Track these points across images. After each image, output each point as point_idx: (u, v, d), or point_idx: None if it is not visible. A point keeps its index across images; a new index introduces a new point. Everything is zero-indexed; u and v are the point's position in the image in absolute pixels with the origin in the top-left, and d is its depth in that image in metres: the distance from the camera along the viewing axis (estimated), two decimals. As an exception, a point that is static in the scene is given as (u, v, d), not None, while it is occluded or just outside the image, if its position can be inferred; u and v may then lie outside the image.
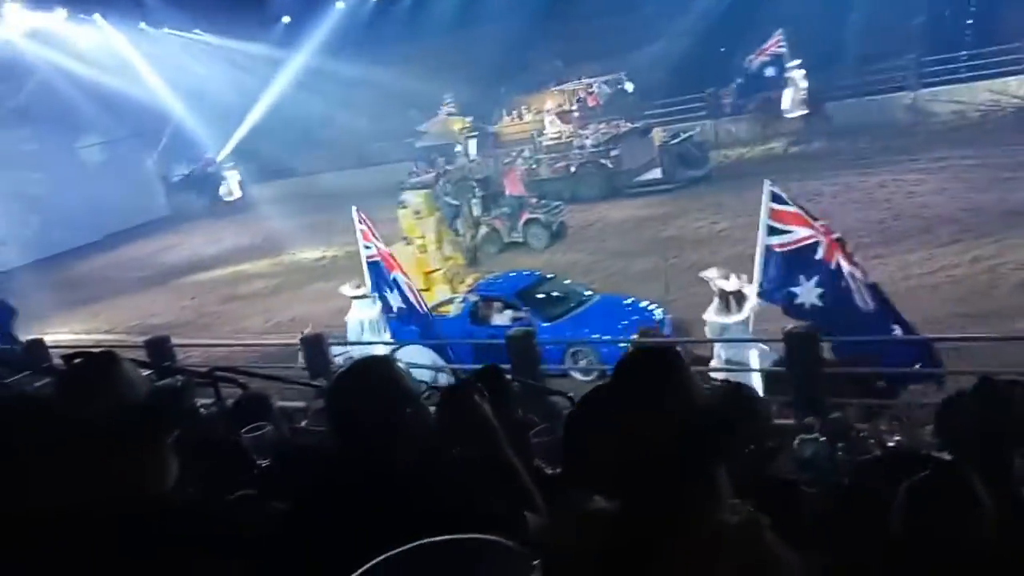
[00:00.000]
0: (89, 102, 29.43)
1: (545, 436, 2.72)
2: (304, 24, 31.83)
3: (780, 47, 24.40)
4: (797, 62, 24.18)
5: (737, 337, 9.00)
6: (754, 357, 8.88)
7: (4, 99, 27.74)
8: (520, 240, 19.27)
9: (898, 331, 8.53)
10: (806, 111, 24.29)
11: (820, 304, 8.57)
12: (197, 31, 32.22)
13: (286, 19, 33.56)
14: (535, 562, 0.85)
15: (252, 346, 14.09)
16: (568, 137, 24.44)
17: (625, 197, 21.56)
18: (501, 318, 12.41)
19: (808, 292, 8.56)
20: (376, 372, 2.20)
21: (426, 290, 14.14)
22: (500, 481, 2.24)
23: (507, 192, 19.82)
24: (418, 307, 11.20)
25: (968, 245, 13.70)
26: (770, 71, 24.68)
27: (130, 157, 33.96)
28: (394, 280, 11.19)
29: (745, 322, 9.07)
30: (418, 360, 11.02)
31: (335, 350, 11.88)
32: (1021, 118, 21.78)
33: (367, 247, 11.41)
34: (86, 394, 2.08)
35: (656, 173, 21.84)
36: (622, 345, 10.35)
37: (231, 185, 31.60)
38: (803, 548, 1.81)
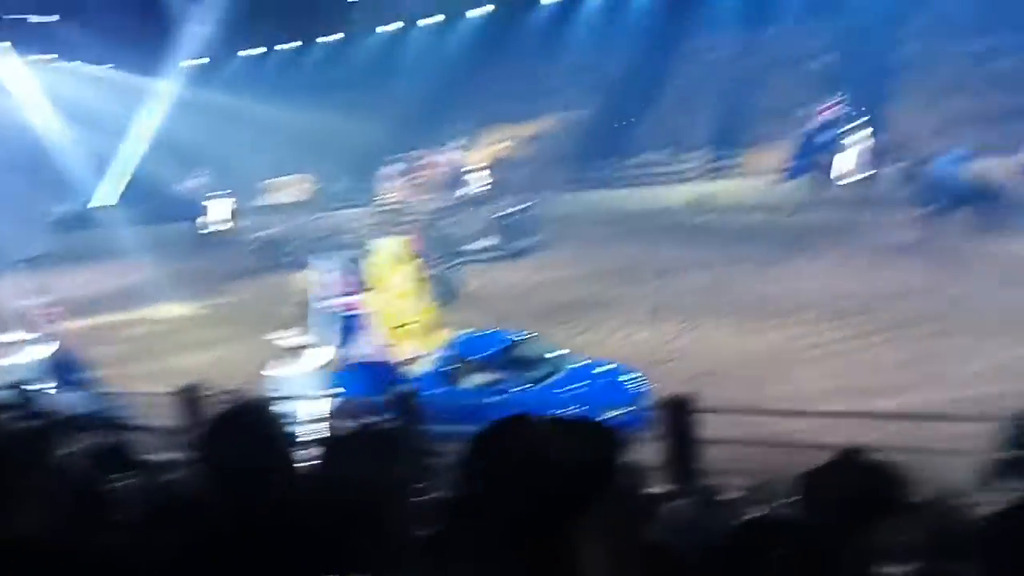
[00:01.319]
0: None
1: (422, 495, 2.70)
2: (217, 65, 31.65)
3: (839, 110, 22.66)
4: (858, 122, 22.54)
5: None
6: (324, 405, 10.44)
7: None
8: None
9: None
10: (864, 174, 22.05)
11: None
12: (110, 66, 31.69)
13: (204, 60, 33.11)
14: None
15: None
16: (405, 203, 26.14)
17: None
18: (476, 380, 11.62)
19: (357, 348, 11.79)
20: (250, 418, 2.18)
21: (395, 346, 13.15)
22: (370, 535, 2.23)
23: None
24: None
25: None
26: (824, 137, 22.46)
27: (11, 192, 32.48)
28: None
29: (314, 372, 11.06)
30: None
31: None
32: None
33: None
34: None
35: (488, 241, 23.63)
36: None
37: (216, 213, 29.74)
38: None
